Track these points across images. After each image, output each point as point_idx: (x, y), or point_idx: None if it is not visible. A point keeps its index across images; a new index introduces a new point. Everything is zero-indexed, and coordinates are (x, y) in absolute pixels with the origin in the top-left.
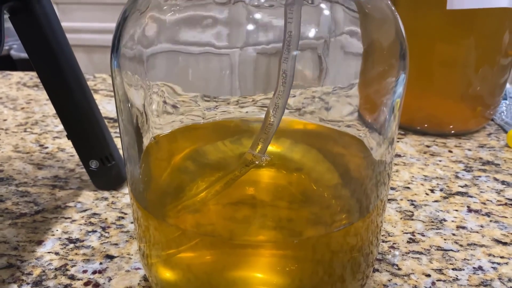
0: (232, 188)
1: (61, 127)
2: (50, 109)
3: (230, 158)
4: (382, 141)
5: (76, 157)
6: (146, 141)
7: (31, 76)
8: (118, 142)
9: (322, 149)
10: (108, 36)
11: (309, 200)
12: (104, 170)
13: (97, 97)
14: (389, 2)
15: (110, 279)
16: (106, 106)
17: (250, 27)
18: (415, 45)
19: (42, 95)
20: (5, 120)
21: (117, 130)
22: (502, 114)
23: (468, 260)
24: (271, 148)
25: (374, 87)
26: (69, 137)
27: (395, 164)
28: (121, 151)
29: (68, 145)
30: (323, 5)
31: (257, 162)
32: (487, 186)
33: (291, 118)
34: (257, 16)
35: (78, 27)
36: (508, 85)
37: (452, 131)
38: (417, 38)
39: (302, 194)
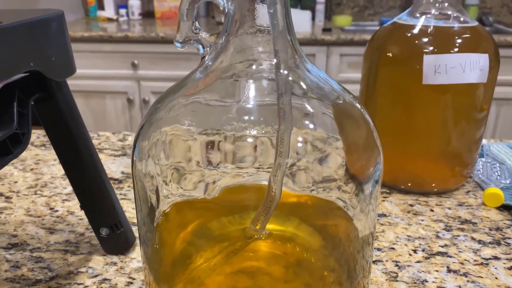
0: (233, 258)
1: (69, 189)
2: (58, 170)
3: (233, 232)
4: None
5: (85, 220)
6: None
7: (37, 135)
8: (123, 203)
9: (312, 221)
10: (105, 82)
11: (302, 268)
12: (113, 237)
13: (101, 156)
14: (359, 107)
15: None
16: (111, 166)
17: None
18: (395, 109)
19: (50, 155)
20: (16, 182)
21: (122, 191)
22: (479, 172)
23: None
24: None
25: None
26: (82, 207)
27: (381, 224)
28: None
29: (76, 208)
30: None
31: (256, 236)
32: (465, 246)
33: (285, 190)
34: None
35: (78, 73)
36: (484, 141)
37: (435, 189)
38: (396, 103)
39: (296, 263)
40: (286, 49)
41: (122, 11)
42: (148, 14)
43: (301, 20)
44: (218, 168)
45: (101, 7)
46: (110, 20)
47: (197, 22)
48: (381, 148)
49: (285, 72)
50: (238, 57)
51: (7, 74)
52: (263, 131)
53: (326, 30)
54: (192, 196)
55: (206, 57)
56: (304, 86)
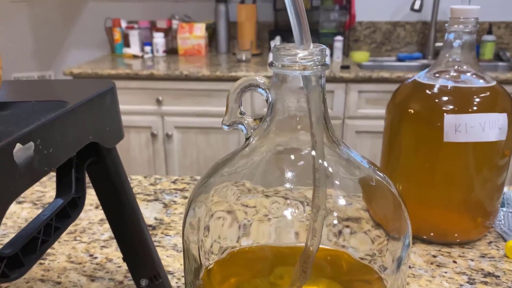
0: None
1: (106, 235)
2: (94, 215)
3: None
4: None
5: (123, 268)
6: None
7: None
8: (157, 251)
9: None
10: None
11: None
12: (152, 287)
13: None
14: (387, 183)
15: None
16: (144, 212)
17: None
18: (417, 161)
19: (86, 200)
20: None
21: (156, 238)
22: (500, 223)
23: None
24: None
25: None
26: (124, 260)
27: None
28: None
29: (114, 255)
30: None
31: None
32: None
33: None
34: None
35: None
36: (505, 189)
37: (457, 240)
38: (418, 156)
39: None
40: (322, 134)
41: (147, 48)
42: (172, 51)
43: None
44: (258, 243)
45: (127, 44)
46: (135, 57)
47: (242, 107)
48: (409, 221)
49: (322, 162)
50: (279, 142)
51: (71, 152)
52: (301, 216)
53: (344, 67)
54: (232, 261)
55: (251, 139)
56: (338, 169)
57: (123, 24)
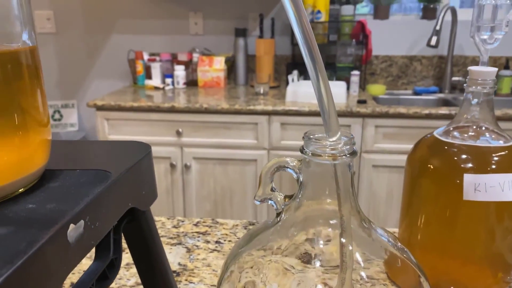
0: None
1: (133, 280)
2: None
3: None
4: None
5: None
6: None
7: None
8: None
9: None
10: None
11: None
12: None
13: None
14: (409, 260)
15: None
16: (168, 256)
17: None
18: (436, 215)
19: None
20: None
21: (180, 285)
22: None
23: None
24: None
25: None
26: None
27: None
28: None
29: None
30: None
31: None
32: None
33: None
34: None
35: (125, 139)
36: None
37: None
38: (438, 210)
39: None
40: (350, 216)
41: (168, 80)
42: (191, 83)
43: (337, 92)
44: None
45: (148, 76)
46: (156, 88)
47: (273, 184)
48: None
49: (348, 245)
50: (308, 221)
51: (114, 221)
52: None
53: (361, 101)
54: None
55: (282, 216)
56: (364, 249)
57: (145, 57)
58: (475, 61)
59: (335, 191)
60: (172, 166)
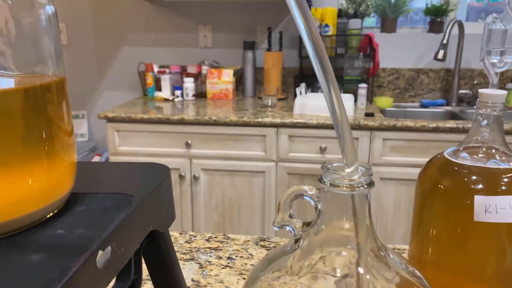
0: None
1: None
2: None
3: None
4: None
5: None
6: None
7: None
8: None
9: None
10: (160, 159)
11: None
12: None
13: None
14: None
15: None
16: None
17: None
18: (447, 234)
19: None
20: None
21: None
22: None
23: None
24: None
25: None
26: None
27: None
28: None
29: None
30: None
31: None
32: None
33: None
34: None
35: (135, 151)
36: None
37: None
38: (448, 230)
39: None
40: (367, 244)
41: (178, 92)
42: (200, 94)
43: (345, 105)
44: None
45: (158, 88)
46: (166, 100)
47: (291, 210)
48: None
49: (367, 276)
50: (325, 249)
51: (137, 245)
52: None
53: (368, 114)
54: None
55: (300, 242)
56: (381, 277)
57: (155, 69)
58: (482, 74)
59: (353, 220)
60: (181, 177)
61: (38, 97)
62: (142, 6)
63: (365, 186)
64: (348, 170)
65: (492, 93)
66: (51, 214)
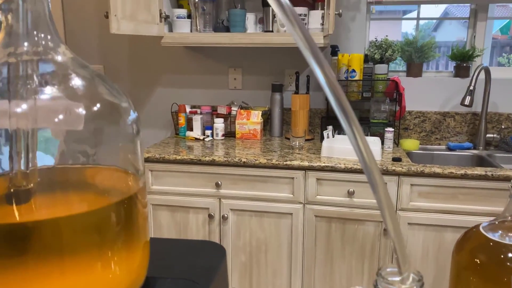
0: None
1: None
2: None
3: None
4: None
5: None
6: None
7: None
8: None
9: None
10: (191, 198)
11: None
12: None
13: None
14: None
15: None
16: None
17: None
18: None
19: None
20: None
21: None
22: None
23: None
24: None
25: None
26: None
27: None
28: None
29: None
30: None
31: None
32: None
33: None
34: None
35: (167, 190)
36: None
37: None
38: None
39: None
40: None
41: (208, 132)
42: (229, 134)
43: (372, 149)
44: None
45: (190, 128)
46: (197, 139)
47: None
48: None
49: None
50: None
51: None
52: None
53: (396, 159)
54: None
55: None
56: None
57: (187, 109)
58: (509, 118)
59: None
60: (210, 216)
61: (131, 207)
62: (176, 50)
63: None
64: (403, 287)
65: None
66: None
